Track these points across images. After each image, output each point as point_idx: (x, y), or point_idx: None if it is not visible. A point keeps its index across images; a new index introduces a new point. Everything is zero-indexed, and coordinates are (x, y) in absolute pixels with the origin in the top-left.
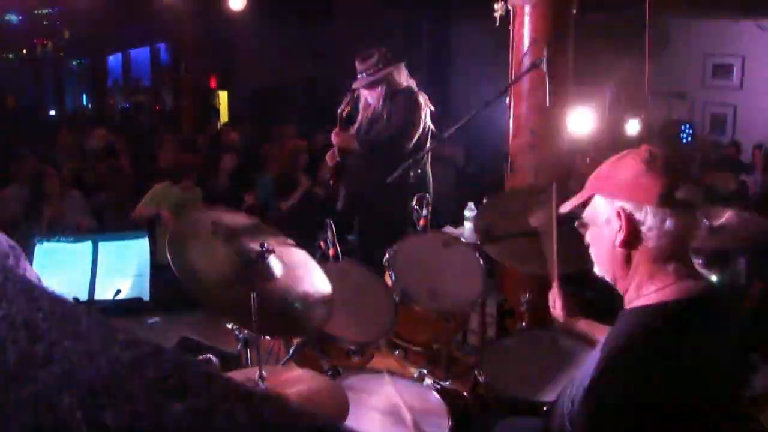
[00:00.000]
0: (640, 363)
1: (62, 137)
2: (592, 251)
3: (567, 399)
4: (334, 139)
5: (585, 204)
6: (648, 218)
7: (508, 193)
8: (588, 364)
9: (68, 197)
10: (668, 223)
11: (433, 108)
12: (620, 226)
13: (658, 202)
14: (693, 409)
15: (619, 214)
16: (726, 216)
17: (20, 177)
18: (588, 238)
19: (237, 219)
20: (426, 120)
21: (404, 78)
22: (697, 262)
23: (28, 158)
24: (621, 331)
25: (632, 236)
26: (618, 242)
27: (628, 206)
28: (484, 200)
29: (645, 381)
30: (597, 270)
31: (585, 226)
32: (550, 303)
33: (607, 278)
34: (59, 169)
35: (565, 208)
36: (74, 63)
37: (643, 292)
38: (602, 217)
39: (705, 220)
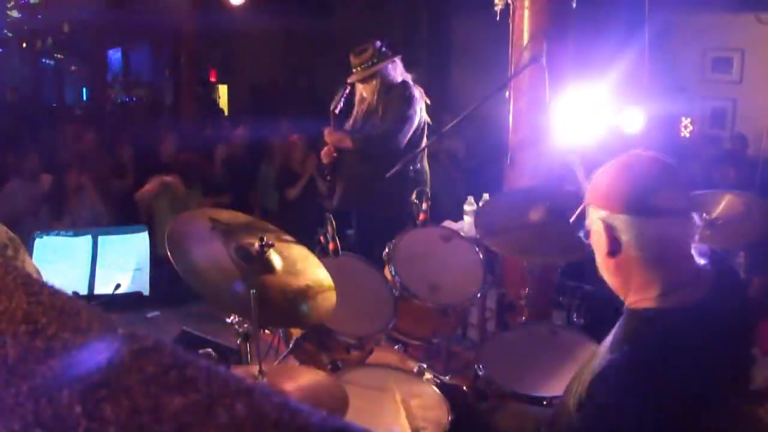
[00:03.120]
0: (635, 370)
1: (68, 131)
2: (596, 260)
3: (573, 392)
4: (326, 137)
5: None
6: (623, 227)
7: (506, 189)
8: (594, 361)
9: (84, 191)
10: (646, 231)
11: (428, 101)
12: (604, 237)
13: (631, 209)
14: (689, 412)
15: (603, 225)
16: (724, 202)
17: (23, 172)
18: (593, 246)
19: (235, 215)
20: (422, 114)
21: (399, 72)
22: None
23: (30, 154)
24: (622, 333)
25: (614, 245)
26: (605, 252)
27: (605, 215)
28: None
29: (640, 388)
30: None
31: (587, 235)
32: None
33: (614, 290)
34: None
35: (572, 218)
36: (73, 65)
37: (641, 297)
38: (594, 227)
39: (704, 213)
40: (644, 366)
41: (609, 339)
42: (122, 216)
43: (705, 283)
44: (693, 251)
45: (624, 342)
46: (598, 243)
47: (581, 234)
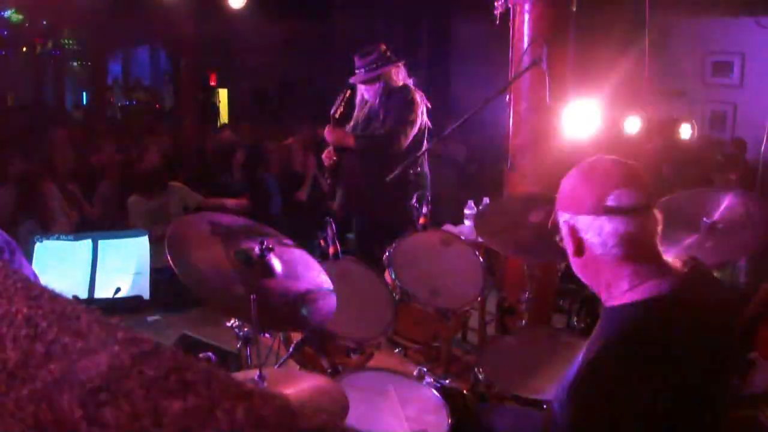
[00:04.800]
0: (614, 364)
1: (60, 136)
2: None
3: (557, 396)
4: (327, 136)
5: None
6: (585, 227)
7: (507, 193)
8: (575, 362)
9: (58, 197)
10: (607, 229)
11: (429, 105)
12: (569, 238)
13: (591, 210)
14: (671, 404)
15: (567, 227)
16: (724, 204)
17: (10, 177)
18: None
19: (234, 219)
20: (423, 117)
21: (402, 77)
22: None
23: (16, 158)
24: (600, 332)
25: (578, 246)
26: (572, 253)
27: (568, 217)
28: (484, 200)
29: (620, 380)
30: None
31: (561, 241)
32: None
33: (589, 286)
34: (55, 167)
35: (549, 225)
36: (75, 63)
37: (613, 293)
38: (562, 231)
39: (703, 217)
40: (617, 359)
41: (586, 344)
42: (110, 217)
43: (675, 276)
44: (659, 247)
45: (597, 340)
46: (567, 245)
47: (557, 238)
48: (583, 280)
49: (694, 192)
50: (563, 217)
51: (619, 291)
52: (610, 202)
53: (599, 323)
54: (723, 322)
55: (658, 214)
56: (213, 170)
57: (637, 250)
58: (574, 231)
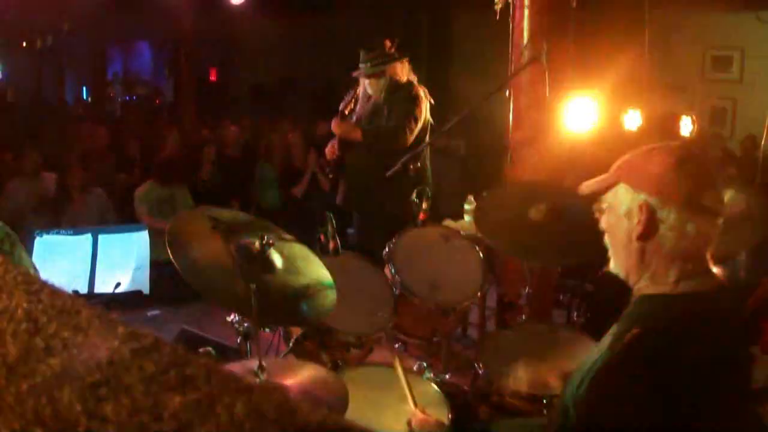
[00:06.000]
0: (650, 350)
1: (78, 130)
2: (607, 239)
3: (574, 381)
4: (334, 127)
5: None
6: (670, 218)
7: (506, 186)
8: (600, 347)
9: (90, 193)
10: (689, 227)
11: (432, 101)
12: (639, 220)
13: (684, 204)
14: (700, 398)
15: (641, 208)
16: (726, 197)
17: (24, 171)
18: (603, 223)
19: (234, 214)
20: (426, 114)
21: (406, 73)
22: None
23: (31, 152)
24: (633, 318)
25: (650, 232)
26: (635, 235)
27: (653, 202)
28: (483, 194)
29: (655, 366)
30: (612, 263)
31: (602, 211)
32: None
33: (619, 271)
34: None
35: (586, 189)
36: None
37: (654, 282)
38: (623, 207)
39: None
40: (656, 350)
41: (612, 331)
42: (126, 212)
43: (715, 279)
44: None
45: (633, 323)
46: (626, 224)
47: (594, 208)
48: (622, 262)
49: None
50: (637, 196)
51: (662, 281)
52: (706, 200)
53: (630, 310)
54: (744, 328)
55: (721, 221)
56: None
57: (699, 251)
58: (653, 217)
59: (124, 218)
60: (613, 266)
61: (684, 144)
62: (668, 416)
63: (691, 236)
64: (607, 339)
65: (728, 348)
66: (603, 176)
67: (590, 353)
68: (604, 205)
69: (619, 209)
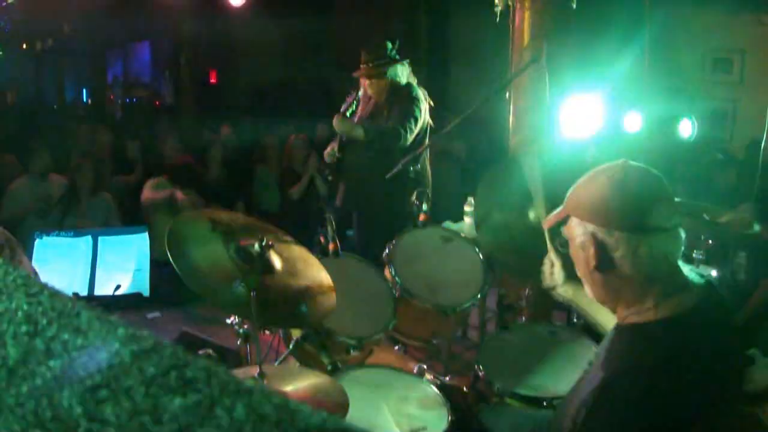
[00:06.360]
0: (638, 382)
1: (81, 131)
2: (577, 268)
3: (568, 416)
4: (336, 125)
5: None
6: (620, 245)
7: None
8: (589, 380)
9: (97, 196)
10: (642, 250)
11: (432, 103)
12: (592, 252)
13: (629, 228)
14: (692, 418)
15: (591, 239)
16: (726, 215)
17: (34, 170)
18: (572, 255)
19: (234, 216)
20: (425, 115)
21: (406, 75)
22: (698, 258)
23: (41, 152)
24: (619, 350)
25: (605, 262)
26: (591, 266)
27: (599, 232)
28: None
29: (644, 399)
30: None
31: (566, 244)
32: (546, 269)
33: (597, 300)
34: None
35: (546, 224)
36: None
37: (633, 310)
38: (578, 240)
39: (704, 215)
40: (648, 378)
41: (600, 357)
42: (128, 214)
43: (695, 291)
44: (680, 263)
45: (622, 358)
46: (583, 256)
47: (556, 244)
48: (595, 293)
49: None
50: (587, 228)
51: (642, 308)
52: (651, 220)
53: (614, 341)
54: (734, 340)
55: (682, 233)
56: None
57: (666, 268)
58: (601, 246)
59: (124, 220)
60: (593, 296)
61: (623, 164)
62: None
63: (647, 259)
64: (592, 371)
65: (718, 365)
66: (557, 210)
67: (579, 382)
68: (564, 239)
69: (576, 242)
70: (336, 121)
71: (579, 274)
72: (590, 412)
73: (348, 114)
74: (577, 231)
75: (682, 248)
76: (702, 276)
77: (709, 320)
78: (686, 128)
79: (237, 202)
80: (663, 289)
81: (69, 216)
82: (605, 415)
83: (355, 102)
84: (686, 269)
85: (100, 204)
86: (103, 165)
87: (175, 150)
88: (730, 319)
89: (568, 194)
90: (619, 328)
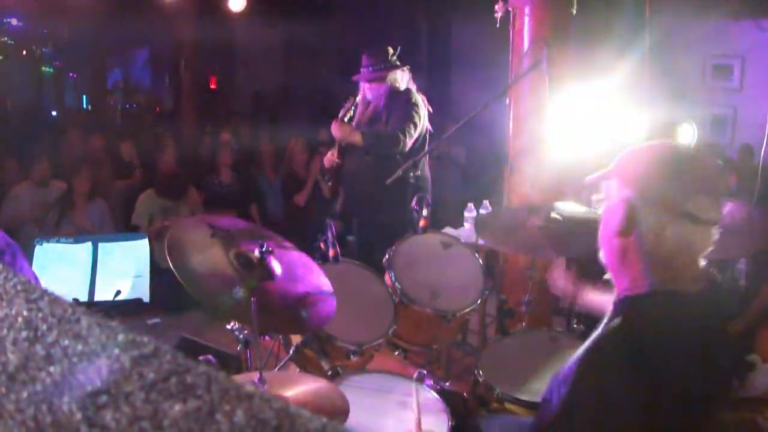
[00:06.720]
0: (624, 343)
1: (73, 137)
2: (600, 229)
3: (554, 388)
4: (334, 130)
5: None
6: (649, 219)
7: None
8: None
9: (93, 202)
10: (668, 232)
11: (431, 109)
12: (621, 216)
13: (664, 207)
14: (669, 399)
15: (624, 204)
16: (726, 210)
17: (33, 177)
18: (602, 214)
19: (234, 222)
20: (424, 121)
21: (406, 82)
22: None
23: (41, 159)
24: (611, 317)
25: (628, 230)
26: (614, 229)
27: (635, 200)
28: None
29: (629, 362)
30: (601, 256)
31: (601, 201)
32: (553, 278)
33: (606, 268)
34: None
35: (589, 180)
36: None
37: (634, 284)
38: (612, 201)
39: None
40: (633, 341)
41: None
42: (127, 217)
43: (699, 285)
44: (700, 260)
45: (610, 323)
46: (611, 219)
47: (593, 198)
48: (607, 259)
49: None
50: (624, 192)
51: (642, 284)
52: (690, 208)
53: (612, 311)
54: (726, 339)
55: (715, 231)
56: (201, 172)
57: (684, 259)
58: (633, 213)
59: (125, 224)
60: (602, 260)
61: (681, 145)
62: (647, 406)
63: (670, 241)
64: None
65: (706, 353)
66: (604, 170)
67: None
68: (601, 197)
69: (610, 202)
70: (334, 127)
71: (600, 236)
72: (577, 376)
73: (346, 119)
74: (615, 192)
75: (709, 248)
76: (709, 275)
77: (704, 309)
78: (687, 134)
79: (251, 205)
80: (672, 276)
81: (64, 222)
82: (591, 377)
83: (353, 107)
84: (703, 267)
85: (94, 210)
86: (99, 170)
87: (168, 160)
88: (725, 317)
89: (619, 157)
90: (617, 300)
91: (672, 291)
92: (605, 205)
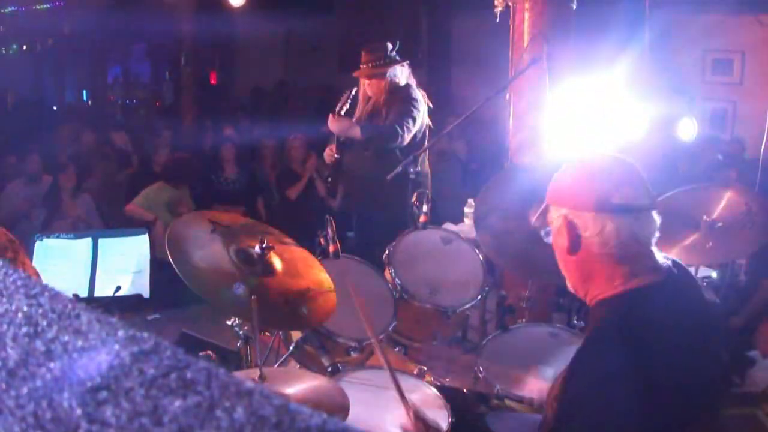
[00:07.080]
0: (602, 352)
1: (63, 133)
2: (556, 256)
3: (551, 394)
4: (331, 125)
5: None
6: (587, 224)
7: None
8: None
9: (79, 198)
10: (608, 228)
11: (431, 105)
12: (565, 235)
13: (593, 207)
14: (657, 391)
15: (563, 222)
16: (725, 201)
17: (24, 173)
18: (553, 247)
19: (234, 218)
20: (424, 116)
21: (405, 77)
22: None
23: (32, 155)
24: (590, 325)
25: (575, 243)
26: (565, 249)
27: (569, 213)
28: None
29: (608, 368)
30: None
31: (548, 233)
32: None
33: (571, 288)
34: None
35: (533, 219)
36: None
37: (602, 289)
38: (555, 226)
39: (704, 216)
40: (612, 343)
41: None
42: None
43: (663, 271)
44: (654, 249)
45: (592, 327)
46: (559, 241)
47: (543, 233)
48: (570, 279)
49: (694, 189)
50: (559, 212)
51: (610, 285)
52: (616, 199)
53: (589, 321)
54: (706, 320)
55: (656, 216)
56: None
57: (635, 250)
58: (571, 227)
59: (125, 218)
60: (569, 285)
61: (592, 152)
62: (642, 399)
63: (615, 238)
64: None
65: (683, 339)
66: (542, 205)
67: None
68: (547, 229)
69: (554, 229)
70: (331, 120)
71: (559, 264)
72: (570, 377)
73: (342, 113)
74: (554, 218)
75: (656, 232)
76: (667, 258)
77: (677, 292)
78: (687, 129)
79: (257, 198)
80: (631, 269)
81: (54, 217)
82: (583, 374)
83: (349, 101)
84: (660, 255)
85: (80, 205)
86: (97, 166)
87: (167, 148)
88: (699, 292)
89: (548, 187)
90: (591, 307)
91: (639, 287)
92: (552, 234)
